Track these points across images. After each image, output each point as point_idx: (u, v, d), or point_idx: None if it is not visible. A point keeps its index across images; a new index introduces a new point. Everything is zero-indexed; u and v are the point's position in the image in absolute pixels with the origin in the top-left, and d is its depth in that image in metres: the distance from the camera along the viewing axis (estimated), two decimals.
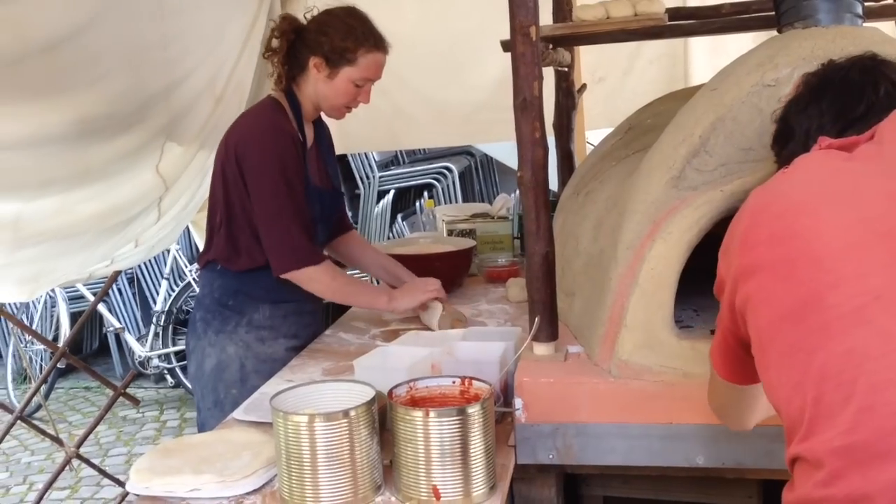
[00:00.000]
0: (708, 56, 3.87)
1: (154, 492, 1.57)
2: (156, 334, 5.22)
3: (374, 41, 2.28)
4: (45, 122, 2.17)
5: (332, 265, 2.34)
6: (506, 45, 1.87)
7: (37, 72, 2.05)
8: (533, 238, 1.77)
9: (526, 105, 1.69)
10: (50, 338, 5.20)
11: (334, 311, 4.25)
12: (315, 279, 2.29)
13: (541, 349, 1.78)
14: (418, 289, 2.43)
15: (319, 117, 2.48)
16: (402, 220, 5.48)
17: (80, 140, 2.38)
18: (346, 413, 1.48)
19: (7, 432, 3.01)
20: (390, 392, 1.55)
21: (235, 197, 2.28)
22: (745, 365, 1.18)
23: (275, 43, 2.32)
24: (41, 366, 5.28)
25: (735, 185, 1.54)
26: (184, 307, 5.23)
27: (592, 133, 4.27)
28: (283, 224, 2.22)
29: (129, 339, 5.27)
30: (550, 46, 2.27)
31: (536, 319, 1.70)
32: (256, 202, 2.23)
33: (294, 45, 2.31)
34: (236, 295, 2.35)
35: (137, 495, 1.59)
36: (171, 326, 5.23)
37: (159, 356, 5.22)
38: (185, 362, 5.11)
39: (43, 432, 2.85)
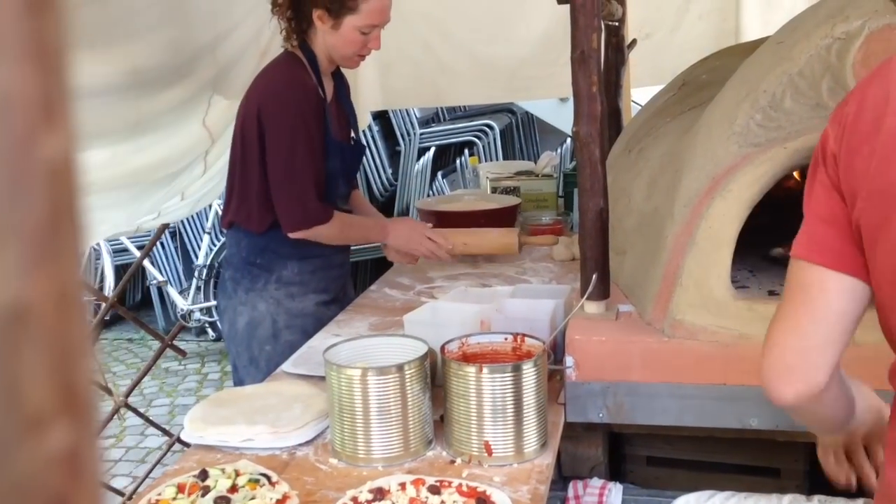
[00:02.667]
0: (760, 10, 3.76)
1: (208, 441, 1.59)
2: (197, 288, 5.28)
3: None
4: (97, 72, 2.17)
5: (340, 217, 2.33)
6: None
7: (88, 22, 2.05)
8: (587, 195, 1.74)
9: (584, 58, 1.65)
10: None
11: (376, 268, 4.26)
12: (324, 235, 2.30)
13: (592, 307, 1.77)
14: (422, 242, 2.44)
15: (338, 69, 2.45)
16: (443, 178, 5.44)
17: (131, 91, 2.38)
18: (398, 367, 1.48)
19: None
20: (442, 347, 1.55)
21: (251, 157, 2.25)
22: (842, 249, 1.05)
23: None
24: None
25: (800, 143, 1.50)
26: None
27: (637, 91, 4.20)
28: (295, 184, 2.22)
29: (172, 292, 5.34)
30: None
31: (594, 277, 1.68)
32: (271, 158, 2.22)
33: None
34: (263, 253, 2.34)
35: (192, 444, 1.61)
36: (212, 280, 5.28)
37: (200, 310, 5.28)
38: None
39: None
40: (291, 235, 2.27)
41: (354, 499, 1.34)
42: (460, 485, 1.36)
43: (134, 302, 5.85)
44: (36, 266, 0.21)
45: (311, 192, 2.23)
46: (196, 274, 5.30)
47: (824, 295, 1.04)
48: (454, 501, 1.30)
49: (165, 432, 3.12)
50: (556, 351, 1.81)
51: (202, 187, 3.26)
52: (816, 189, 1.06)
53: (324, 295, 2.41)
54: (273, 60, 2.39)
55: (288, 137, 2.20)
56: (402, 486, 1.36)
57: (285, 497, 1.37)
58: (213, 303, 5.27)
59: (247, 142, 2.27)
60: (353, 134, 2.52)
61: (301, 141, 2.20)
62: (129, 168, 2.59)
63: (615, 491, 1.64)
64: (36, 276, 0.21)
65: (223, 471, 1.43)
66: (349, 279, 2.60)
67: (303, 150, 2.20)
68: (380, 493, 1.34)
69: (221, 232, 5.35)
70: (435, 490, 1.33)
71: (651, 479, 1.94)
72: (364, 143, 2.71)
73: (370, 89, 3.91)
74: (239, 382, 2.34)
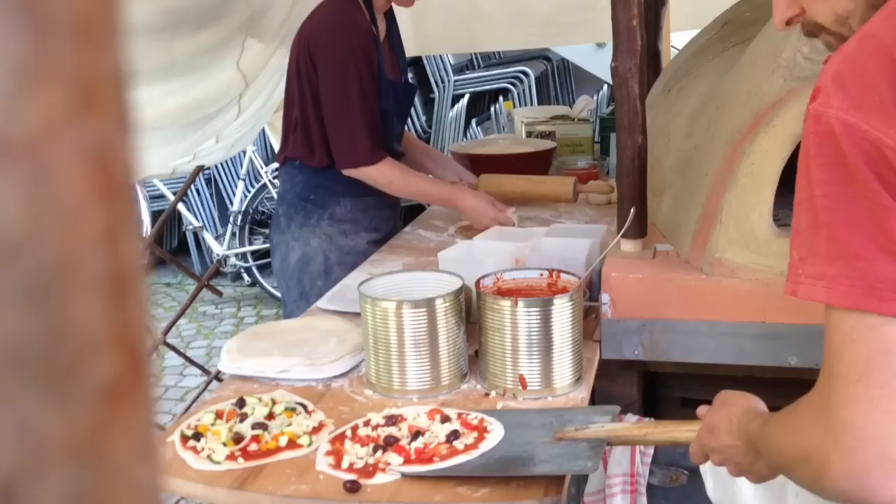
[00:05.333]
0: None
1: (244, 372, 1.61)
2: (233, 234, 5.32)
3: None
4: (132, 11, 2.17)
5: (392, 163, 2.33)
6: None
7: None
8: (625, 132, 1.71)
9: None
10: None
11: (410, 211, 4.26)
12: (374, 178, 2.31)
13: (628, 246, 1.75)
14: (487, 212, 2.34)
15: (390, 9, 2.44)
16: (477, 126, 5.40)
17: (166, 32, 2.38)
18: (433, 300, 1.49)
19: None
20: (477, 282, 1.54)
21: (309, 93, 2.28)
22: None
23: None
24: None
25: None
26: (259, 208, 5.31)
27: (677, 35, 4.10)
28: (348, 121, 2.24)
29: (208, 237, 5.39)
30: None
31: (632, 211, 1.66)
32: (325, 96, 2.24)
33: None
34: (317, 189, 2.37)
35: (229, 375, 1.64)
36: (247, 226, 5.32)
37: (236, 255, 5.33)
38: (261, 261, 5.21)
39: None
40: (344, 173, 2.29)
41: (367, 421, 1.37)
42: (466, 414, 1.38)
43: (171, 248, 5.92)
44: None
45: (361, 131, 2.24)
46: (231, 220, 5.34)
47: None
48: (457, 429, 1.32)
49: (204, 370, 3.17)
50: (592, 290, 1.80)
51: (237, 131, 3.27)
52: (874, 216, 0.81)
53: (375, 234, 2.44)
54: None
55: (340, 74, 2.21)
56: (417, 416, 1.38)
57: (321, 425, 1.39)
58: (248, 248, 5.32)
59: (303, 79, 2.29)
60: (404, 74, 2.53)
61: (353, 78, 2.21)
62: (164, 109, 2.60)
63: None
64: None
65: (260, 399, 1.46)
66: (400, 221, 2.62)
67: (355, 88, 2.21)
68: (392, 419, 1.37)
69: (256, 178, 5.38)
70: (446, 419, 1.36)
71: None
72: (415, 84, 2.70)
73: (403, 35, 3.87)
74: (287, 317, 2.37)
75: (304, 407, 1.44)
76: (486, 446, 1.28)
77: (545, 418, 1.37)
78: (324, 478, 1.26)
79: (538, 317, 1.45)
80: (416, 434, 1.31)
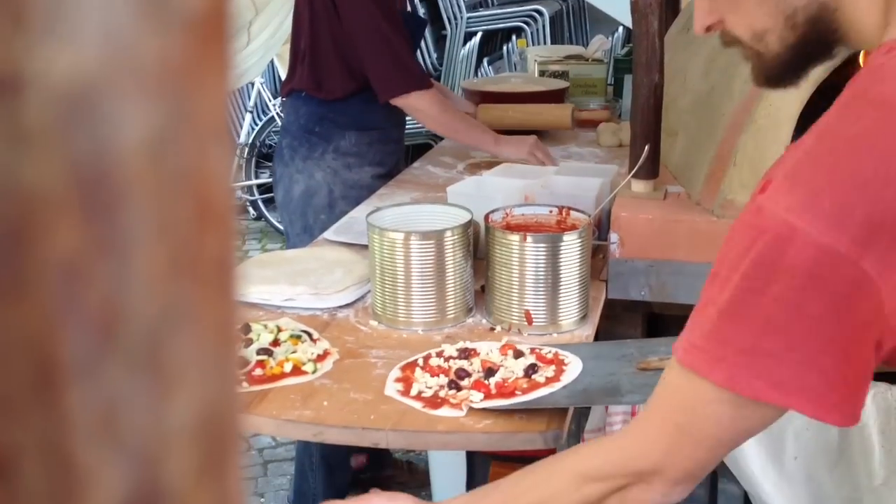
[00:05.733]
0: None
1: (250, 299, 1.61)
2: (239, 166, 5.30)
3: None
4: None
5: (440, 95, 2.30)
6: None
7: None
8: (642, 69, 1.68)
9: None
10: None
11: (416, 149, 4.23)
12: (422, 107, 2.26)
13: (639, 186, 1.73)
14: (527, 143, 2.34)
15: None
16: (489, 65, 5.33)
17: None
18: (442, 233, 1.48)
19: None
20: (487, 216, 1.53)
21: (323, 23, 2.23)
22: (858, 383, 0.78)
23: None
24: None
25: None
26: (267, 141, 5.28)
27: None
28: (391, 46, 2.19)
29: None
30: None
31: (645, 150, 1.64)
32: (357, 27, 2.19)
33: None
34: (322, 122, 2.34)
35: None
36: (253, 159, 5.29)
37: (242, 188, 5.31)
38: (267, 195, 5.20)
39: None
40: (393, 102, 2.24)
41: (440, 352, 1.36)
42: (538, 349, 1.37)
43: None
44: None
45: (407, 55, 2.21)
46: (238, 152, 5.31)
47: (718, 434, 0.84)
48: (534, 363, 1.31)
49: None
50: (601, 229, 1.79)
51: (246, 60, 3.23)
52: (861, 353, 0.77)
53: (379, 168, 2.41)
54: None
55: (366, 4, 2.16)
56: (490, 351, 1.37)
57: (326, 353, 1.39)
58: (255, 181, 5.30)
59: (316, 6, 2.24)
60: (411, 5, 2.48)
61: (384, 3, 2.17)
62: None
63: None
64: None
65: (265, 326, 1.46)
66: (402, 156, 2.59)
67: (388, 11, 2.17)
68: (465, 352, 1.36)
69: (263, 111, 5.33)
70: (519, 354, 1.34)
71: None
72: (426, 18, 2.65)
73: None
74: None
75: (310, 335, 1.44)
76: (567, 378, 1.26)
77: (625, 349, 1.35)
78: (384, 398, 1.27)
79: (546, 253, 1.44)
80: (490, 370, 1.28)
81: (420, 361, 1.35)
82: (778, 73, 0.91)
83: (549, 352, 1.35)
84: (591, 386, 1.26)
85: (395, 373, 1.33)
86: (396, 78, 2.21)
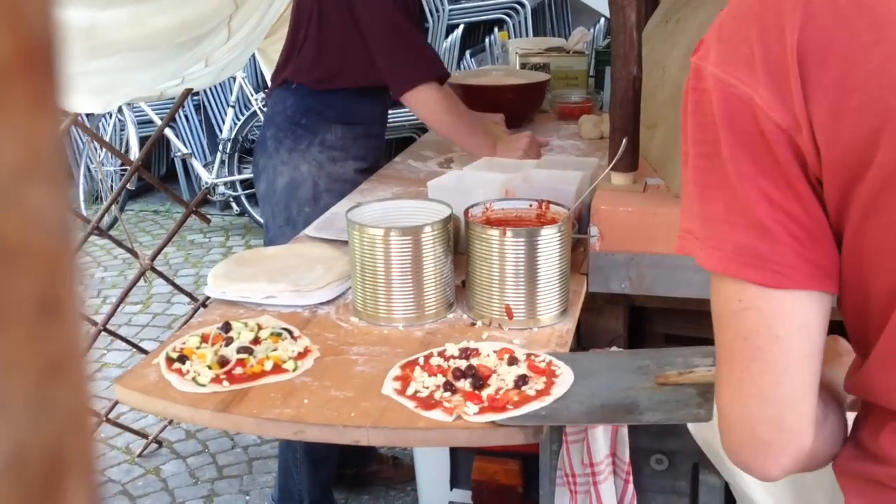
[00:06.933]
0: None
1: (230, 297, 1.60)
2: (222, 162, 5.27)
3: None
4: None
5: (450, 93, 2.29)
6: None
7: None
8: (620, 62, 1.68)
9: None
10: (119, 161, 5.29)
11: (397, 144, 4.22)
12: (430, 104, 2.23)
13: (619, 179, 1.74)
14: (521, 145, 2.32)
15: None
16: (471, 57, 5.32)
17: None
18: (421, 228, 1.48)
19: (84, 241, 3.12)
20: (466, 211, 1.53)
21: (334, 15, 2.22)
22: (812, 256, 0.79)
23: None
24: (112, 187, 5.40)
25: None
26: (249, 136, 5.25)
27: None
28: (410, 37, 2.19)
29: (196, 165, 5.34)
30: None
31: (623, 142, 1.64)
32: (371, 19, 2.18)
33: None
34: (309, 114, 2.33)
35: (215, 300, 1.63)
36: (236, 154, 5.27)
37: (225, 184, 5.29)
38: (250, 190, 5.17)
39: (119, 244, 2.94)
40: (404, 98, 2.23)
41: (442, 352, 1.36)
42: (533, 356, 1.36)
43: (159, 175, 5.87)
44: None
45: (426, 46, 2.19)
46: (220, 148, 5.29)
47: (783, 341, 0.79)
48: (525, 374, 1.29)
49: (191, 297, 3.17)
50: (581, 223, 1.79)
51: (227, 55, 3.20)
52: (731, 183, 0.79)
53: (362, 163, 2.41)
54: None
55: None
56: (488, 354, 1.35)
57: (307, 350, 1.39)
58: (238, 177, 5.27)
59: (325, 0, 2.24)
60: None
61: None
62: (150, 30, 2.54)
63: None
64: None
65: (246, 324, 1.45)
66: (384, 152, 2.59)
67: (401, 3, 2.17)
68: (466, 351, 1.35)
69: (246, 106, 5.30)
70: (514, 361, 1.32)
71: None
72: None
73: None
74: (270, 243, 2.36)
75: (290, 332, 1.44)
76: (557, 391, 1.24)
77: (641, 360, 1.30)
78: (364, 395, 1.27)
79: (525, 247, 1.44)
80: (482, 379, 1.27)
81: (421, 360, 1.34)
82: None
83: (543, 360, 1.33)
84: (608, 402, 1.22)
85: (395, 371, 1.32)
86: (412, 67, 2.20)
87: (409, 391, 1.26)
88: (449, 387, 1.25)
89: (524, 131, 2.42)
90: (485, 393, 1.24)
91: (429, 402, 1.23)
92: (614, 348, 1.69)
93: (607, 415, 1.22)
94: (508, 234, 1.44)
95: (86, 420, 0.20)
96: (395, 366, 1.34)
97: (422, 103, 2.24)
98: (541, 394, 1.24)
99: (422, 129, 2.83)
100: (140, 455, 3.01)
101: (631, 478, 1.62)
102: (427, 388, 1.26)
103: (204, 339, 1.40)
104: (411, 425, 1.21)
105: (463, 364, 1.31)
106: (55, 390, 0.19)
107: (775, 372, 0.79)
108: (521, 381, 1.26)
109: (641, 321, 1.97)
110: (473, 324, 1.50)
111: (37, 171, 0.18)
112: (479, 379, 1.26)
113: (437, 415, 1.21)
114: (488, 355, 1.34)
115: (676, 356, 1.30)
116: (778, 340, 0.78)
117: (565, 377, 1.28)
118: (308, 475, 2.39)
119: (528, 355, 1.34)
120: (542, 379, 1.27)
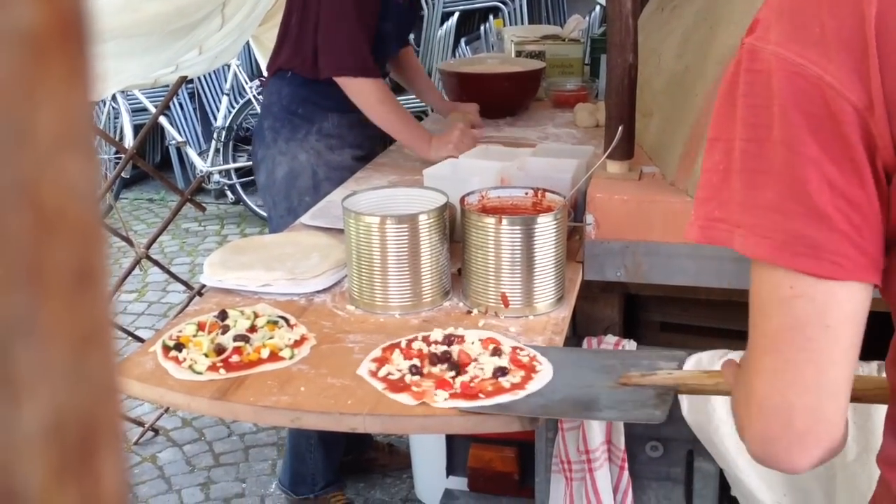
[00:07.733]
0: None
1: (226, 285, 1.60)
2: (216, 150, 5.26)
3: None
4: None
5: (386, 87, 2.28)
6: None
7: None
8: (616, 50, 1.68)
9: None
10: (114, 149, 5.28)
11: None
12: (364, 92, 2.24)
13: (615, 167, 1.74)
14: (452, 140, 2.27)
15: None
16: (466, 45, 5.31)
17: None
18: (417, 216, 1.48)
19: None
20: (462, 199, 1.53)
21: (312, 2, 2.23)
22: (864, 245, 0.76)
23: None
24: (106, 175, 5.39)
25: None
26: (244, 124, 5.24)
27: None
28: (347, 27, 2.18)
29: (191, 153, 5.33)
30: None
31: (619, 130, 1.64)
32: (325, 3, 2.18)
33: None
34: (304, 103, 2.33)
35: (211, 288, 1.63)
36: (231, 143, 5.26)
37: (220, 172, 5.28)
38: (245, 179, 5.16)
39: (114, 232, 2.94)
40: (336, 79, 2.23)
41: (426, 337, 1.36)
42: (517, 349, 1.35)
43: (153, 163, 5.85)
44: None
45: (364, 41, 2.19)
46: (215, 136, 5.27)
47: (833, 331, 0.77)
48: (505, 367, 1.28)
49: (187, 285, 3.17)
50: (577, 211, 1.79)
51: (220, 42, 3.19)
52: (793, 167, 0.75)
53: (359, 151, 2.41)
54: None
55: None
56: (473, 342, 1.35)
57: (303, 338, 1.39)
58: (232, 165, 5.26)
59: None
60: None
61: None
62: (144, 16, 2.53)
63: (628, 347, 1.66)
64: None
65: (242, 312, 1.45)
66: (380, 140, 2.58)
67: (359, 2, 2.17)
68: (449, 338, 1.35)
69: (240, 94, 5.29)
70: (497, 352, 1.32)
71: (664, 345, 1.95)
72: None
73: None
74: (274, 232, 2.36)
75: (287, 321, 1.44)
76: (532, 387, 1.24)
77: (608, 360, 1.32)
78: (361, 383, 1.26)
79: (521, 235, 1.44)
80: (460, 366, 1.27)
81: (403, 343, 1.35)
82: None
83: (527, 355, 1.32)
84: (568, 396, 1.23)
85: (376, 352, 1.33)
86: (344, 57, 2.20)
87: (382, 373, 1.26)
88: (415, 370, 1.26)
89: (458, 123, 2.38)
90: (459, 380, 1.24)
91: (397, 385, 1.24)
92: (609, 336, 1.69)
93: (563, 409, 1.24)
94: (504, 222, 1.44)
95: (116, 389, 0.20)
96: (377, 347, 1.34)
97: (354, 93, 2.24)
98: (515, 387, 1.23)
99: (418, 118, 2.82)
100: (136, 443, 3.02)
101: (626, 464, 1.63)
102: (400, 371, 1.26)
103: (200, 327, 1.41)
104: (408, 413, 1.21)
105: (440, 350, 1.31)
106: (89, 359, 0.19)
107: (820, 361, 0.78)
108: (500, 372, 1.26)
109: (637, 309, 1.98)
110: (469, 312, 1.50)
111: (72, 141, 0.19)
112: (454, 365, 1.27)
113: (403, 398, 1.21)
114: (472, 343, 1.34)
115: (643, 358, 1.33)
116: (828, 330, 0.77)
117: (544, 374, 1.27)
118: (322, 459, 2.43)
119: (515, 348, 1.34)
120: (521, 373, 1.27)
